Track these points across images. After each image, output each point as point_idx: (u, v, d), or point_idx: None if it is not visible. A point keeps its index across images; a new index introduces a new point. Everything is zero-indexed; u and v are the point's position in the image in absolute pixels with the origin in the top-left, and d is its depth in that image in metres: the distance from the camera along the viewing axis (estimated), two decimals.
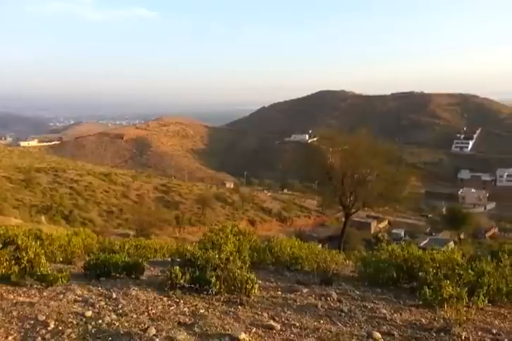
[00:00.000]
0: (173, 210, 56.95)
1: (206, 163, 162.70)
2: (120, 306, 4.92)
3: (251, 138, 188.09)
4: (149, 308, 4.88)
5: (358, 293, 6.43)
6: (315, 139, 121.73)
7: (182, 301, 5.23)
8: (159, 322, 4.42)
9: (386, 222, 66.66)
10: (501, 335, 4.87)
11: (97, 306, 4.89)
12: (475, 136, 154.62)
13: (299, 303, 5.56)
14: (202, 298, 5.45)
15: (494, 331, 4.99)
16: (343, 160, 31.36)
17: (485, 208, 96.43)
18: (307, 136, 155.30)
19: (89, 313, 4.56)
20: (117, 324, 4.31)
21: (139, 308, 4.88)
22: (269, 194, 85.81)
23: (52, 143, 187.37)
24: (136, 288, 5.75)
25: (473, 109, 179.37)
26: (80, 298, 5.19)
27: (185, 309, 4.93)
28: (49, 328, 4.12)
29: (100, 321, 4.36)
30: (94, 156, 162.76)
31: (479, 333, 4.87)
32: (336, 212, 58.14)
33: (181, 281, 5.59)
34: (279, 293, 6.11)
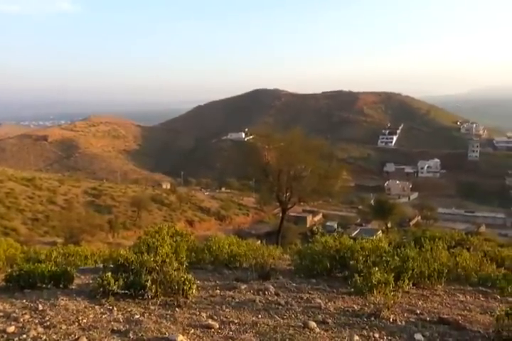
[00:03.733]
0: (105, 214, 54.37)
1: (140, 163, 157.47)
2: (47, 318, 4.62)
3: (187, 137, 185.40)
4: (80, 318, 4.63)
5: (294, 285, 6.61)
6: (251, 137, 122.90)
7: (115, 308, 5.02)
8: (91, 332, 4.21)
9: (320, 215, 69.29)
10: (424, 314, 5.29)
11: (21, 320, 4.55)
12: (398, 131, 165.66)
13: (237, 300, 5.59)
14: (137, 303, 5.27)
15: (418, 311, 5.41)
16: (278, 158, 32.00)
17: (409, 198, 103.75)
18: (243, 135, 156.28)
19: (11, 329, 4.23)
20: (44, 337, 4.05)
21: (68, 319, 4.61)
22: (207, 193, 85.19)
23: None
24: (65, 298, 5.42)
25: (396, 106, 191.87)
26: (1, 313, 4.79)
27: (119, 316, 4.74)
28: None
29: (24, 336, 4.06)
30: (15, 160, 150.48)
31: (405, 314, 5.25)
32: (273, 208, 59.26)
33: (114, 287, 5.36)
34: (218, 291, 6.10)
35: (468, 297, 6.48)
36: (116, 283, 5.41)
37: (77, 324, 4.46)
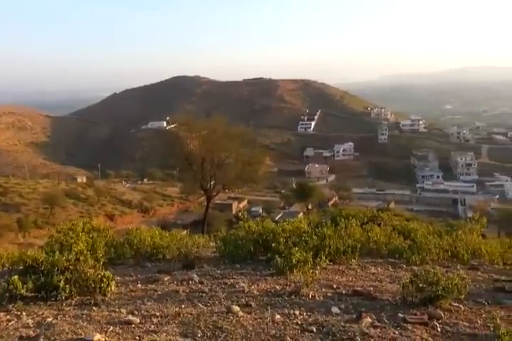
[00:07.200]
0: (13, 213, 49.95)
1: (51, 157, 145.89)
2: None
3: (103, 127, 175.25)
4: None
5: (219, 271, 6.62)
6: (173, 126, 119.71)
7: (25, 313, 4.63)
8: None
9: (246, 202, 70.36)
10: (340, 288, 5.63)
11: None
12: (316, 117, 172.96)
13: (159, 292, 5.46)
14: (50, 305, 4.91)
15: (335, 286, 5.74)
16: (201, 146, 31.72)
17: (327, 180, 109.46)
18: (165, 123, 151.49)
19: None
20: None
21: None
22: (128, 185, 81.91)
23: None
24: None
25: (313, 93, 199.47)
26: None
27: (29, 321, 4.38)
28: None
29: None
30: None
31: (323, 290, 5.54)
32: (198, 197, 58.84)
33: (22, 291, 4.93)
34: (139, 285, 5.90)
35: (379, 269, 7.00)
36: (25, 286, 4.99)
37: None
